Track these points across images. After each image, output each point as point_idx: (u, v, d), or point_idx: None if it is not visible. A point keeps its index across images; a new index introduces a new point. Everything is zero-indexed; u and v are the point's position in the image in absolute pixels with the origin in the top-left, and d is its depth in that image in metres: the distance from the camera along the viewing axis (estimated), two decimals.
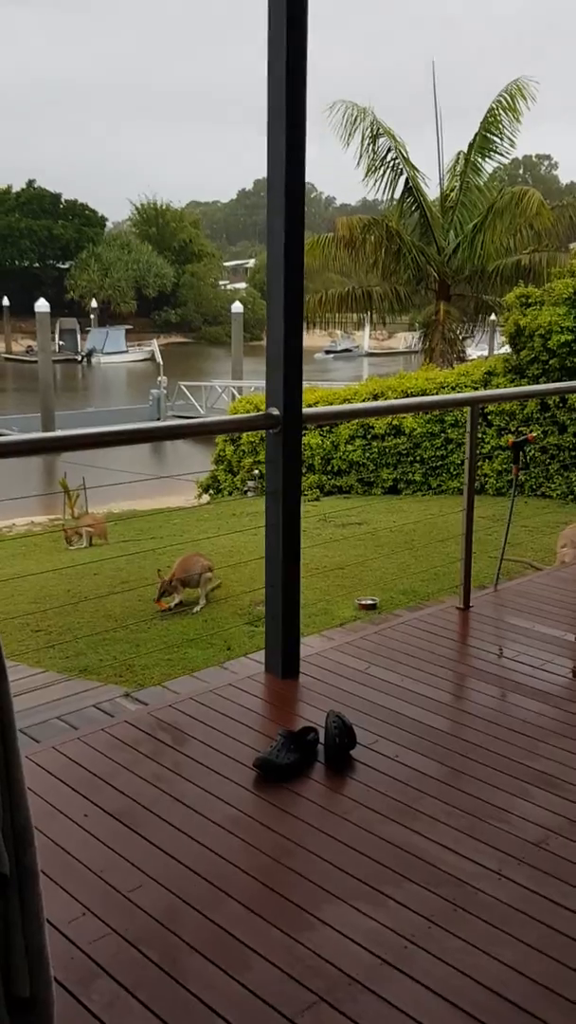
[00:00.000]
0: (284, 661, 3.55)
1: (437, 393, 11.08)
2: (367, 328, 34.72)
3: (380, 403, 10.65)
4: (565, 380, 10.27)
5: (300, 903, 2.25)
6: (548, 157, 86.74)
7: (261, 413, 3.42)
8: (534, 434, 6.59)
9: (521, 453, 4.93)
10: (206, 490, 13.55)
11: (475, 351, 25.36)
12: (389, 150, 15.79)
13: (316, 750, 2.97)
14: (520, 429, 10.62)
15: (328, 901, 2.26)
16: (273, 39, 3.11)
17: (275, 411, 3.36)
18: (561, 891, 2.33)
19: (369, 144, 15.49)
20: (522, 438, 4.86)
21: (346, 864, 2.41)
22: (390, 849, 2.47)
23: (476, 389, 11.02)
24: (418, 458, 11.46)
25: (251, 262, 66.72)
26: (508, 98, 15.36)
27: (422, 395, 11.13)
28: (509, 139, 15.60)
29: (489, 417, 11.21)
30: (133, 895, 2.28)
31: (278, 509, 3.43)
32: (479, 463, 11.18)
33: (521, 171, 75.18)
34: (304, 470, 12.01)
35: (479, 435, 11.11)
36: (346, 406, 11.03)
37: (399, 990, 1.98)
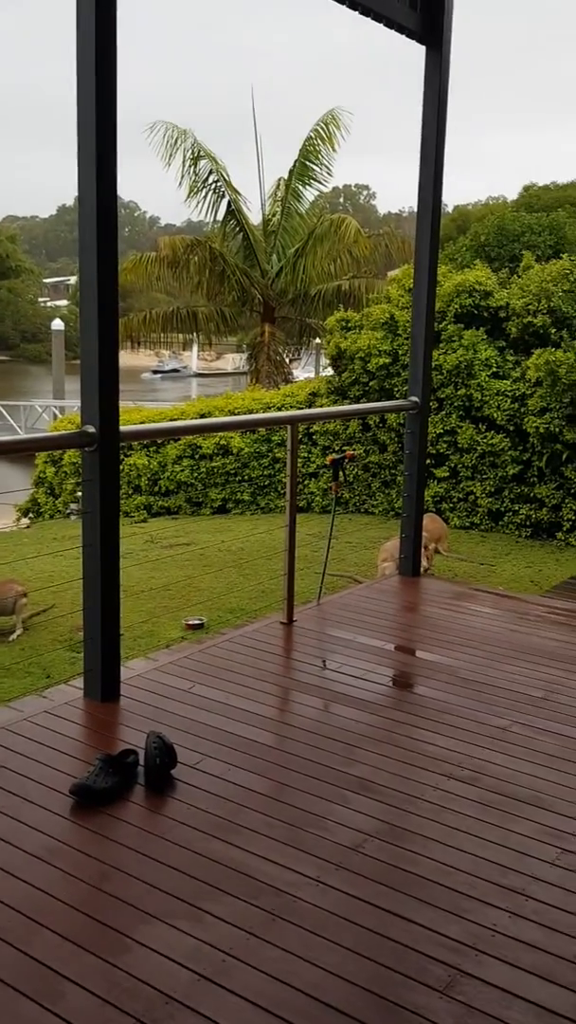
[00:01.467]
0: (104, 684, 3.48)
1: (262, 413, 11.25)
2: (195, 348, 34.82)
3: (198, 421, 10.69)
4: (383, 400, 10.69)
5: (117, 927, 2.21)
6: (367, 187, 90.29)
7: (75, 431, 3.35)
8: (353, 452, 6.80)
9: (341, 470, 5.08)
10: (25, 513, 13.12)
11: (302, 372, 25.94)
12: (211, 172, 15.99)
13: (136, 772, 2.93)
14: (343, 448, 10.95)
15: (146, 922, 2.23)
16: (81, 54, 3.09)
17: (91, 429, 3.31)
18: (377, 892, 2.41)
19: (190, 166, 15.63)
20: (341, 456, 5.01)
21: (165, 883, 2.38)
22: (209, 865, 2.47)
23: (300, 409, 11.27)
24: (246, 478, 11.58)
25: (72, 279, 65.51)
26: (324, 127, 15.91)
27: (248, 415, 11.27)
28: (327, 168, 16.16)
29: (314, 437, 11.49)
30: None
31: (96, 529, 3.37)
32: (305, 481, 11.42)
33: (342, 200, 77.87)
34: (131, 491, 11.87)
35: (305, 454, 11.39)
36: (165, 424, 10.74)
37: (218, 1004, 1.98)
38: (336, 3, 4.34)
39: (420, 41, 4.93)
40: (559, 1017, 2.00)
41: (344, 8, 4.42)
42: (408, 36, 4.86)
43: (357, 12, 4.48)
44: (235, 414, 11.60)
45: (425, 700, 3.79)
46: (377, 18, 4.62)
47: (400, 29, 4.78)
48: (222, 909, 2.29)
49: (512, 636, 4.59)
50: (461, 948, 2.20)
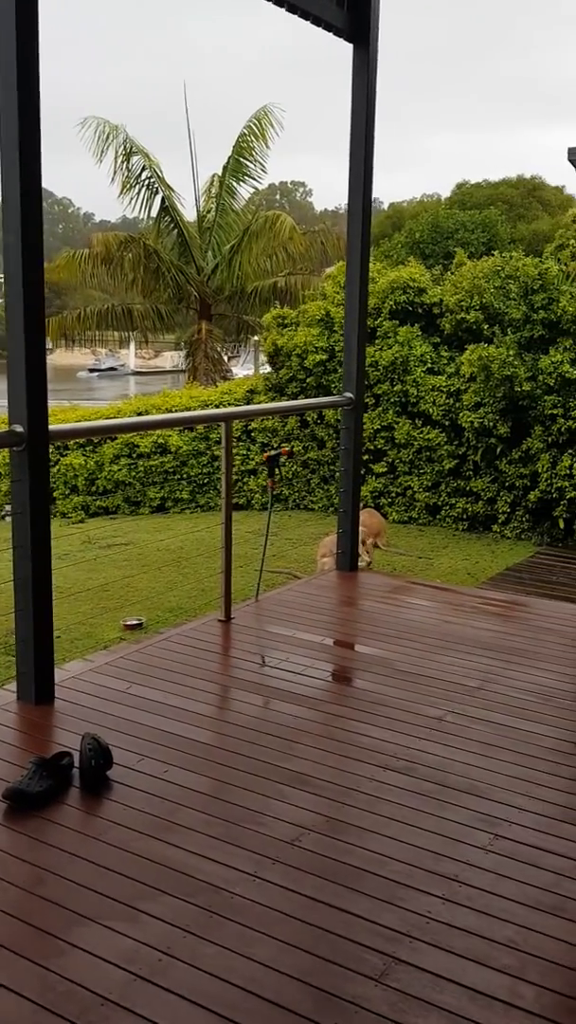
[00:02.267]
0: (38, 687, 3.44)
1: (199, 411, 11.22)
2: (132, 346, 34.55)
3: (130, 419, 10.62)
4: (321, 397, 10.74)
5: (51, 930, 2.19)
6: (303, 184, 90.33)
7: (4, 431, 3.30)
8: (289, 448, 6.83)
9: (277, 467, 5.09)
10: None
11: (241, 370, 25.94)
12: (144, 169, 15.86)
13: (71, 775, 2.90)
14: (282, 444, 10.99)
15: (81, 924, 2.21)
16: (1, 47, 3.05)
17: (19, 428, 3.26)
18: (313, 885, 2.42)
19: (123, 162, 15.48)
20: (276, 452, 5.02)
21: (100, 885, 2.37)
22: (146, 865, 2.46)
23: (237, 406, 11.27)
24: (185, 476, 11.53)
25: None
26: (257, 124, 15.90)
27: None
28: (260, 164, 16.15)
29: (252, 434, 11.50)
30: None
31: (26, 530, 3.32)
32: (244, 479, 11.43)
33: (278, 196, 77.86)
34: (68, 491, 11.73)
35: (244, 451, 11.39)
36: (96, 422, 10.60)
37: (154, 1003, 1.97)
38: (265, 0, 4.34)
39: (348, 39, 4.96)
40: (491, 999, 2.04)
41: (274, 6, 4.44)
42: (336, 34, 4.89)
43: (284, 9, 4.49)
44: (171, 412, 11.55)
45: (362, 693, 3.82)
46: (305, 16, 4.64)
47: (328, 27, 4.81)
48: (159, 908, 2.28)
49: (447, 628, 4.66)
50: (396, 936, 2.23)
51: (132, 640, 5.33)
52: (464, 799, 2.90)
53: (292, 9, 4.52)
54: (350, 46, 4.99)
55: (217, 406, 11.41)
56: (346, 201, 5.25)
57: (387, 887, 2.42)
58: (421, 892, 2.41)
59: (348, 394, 5.35)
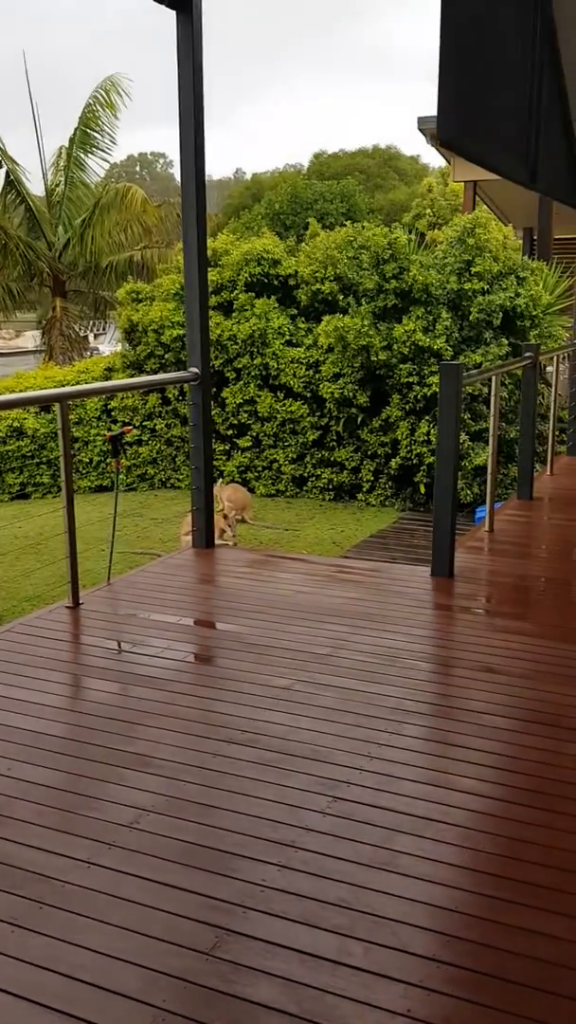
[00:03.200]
0: None
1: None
2: None
3: None
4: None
5: None
6: (163, 155, 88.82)
7: None
8: (131, 427, 6.79)
9: (120, 446, 5.00)
10: None
11: (107, 347, 25.40)
12: None
13: None
14: (124, 424, 10.84)
15: None
16: None
17: None
18: (148, 865, 2.41)
19: None
20: (117, 432, 4.93)
21: None
22: None
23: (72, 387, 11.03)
24: (44, 460, 11.24)
25: None
26: (104, 95, 15.48)
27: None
28: (110, 135, 15.76)
29: (112, 413, 11.30)
30: None
31: None
32: (108, 460, 11.21)
33: (138, 168, 76.31)
34: None
35: (104, 431, 11.17)
36: None
37: None
38: None
39: (170, 6, 4.86)
40: (320, 959, 2.08)
41: None
42: (156, 1, 4.77)
43: None
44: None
45: (212, 670, 3.82)
46: None
47: None
48: None
49: (300, 598, 4.70)
50: (230, 907, 2.25)
51: None
52: (306, 765, 2.94)
53: None
54: (174, 14, 4.89)
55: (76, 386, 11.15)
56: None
57: (223, 860, 2.43)
58: (257, 861, 2.43)
59: (194, 369, 5.30)
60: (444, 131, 3.05)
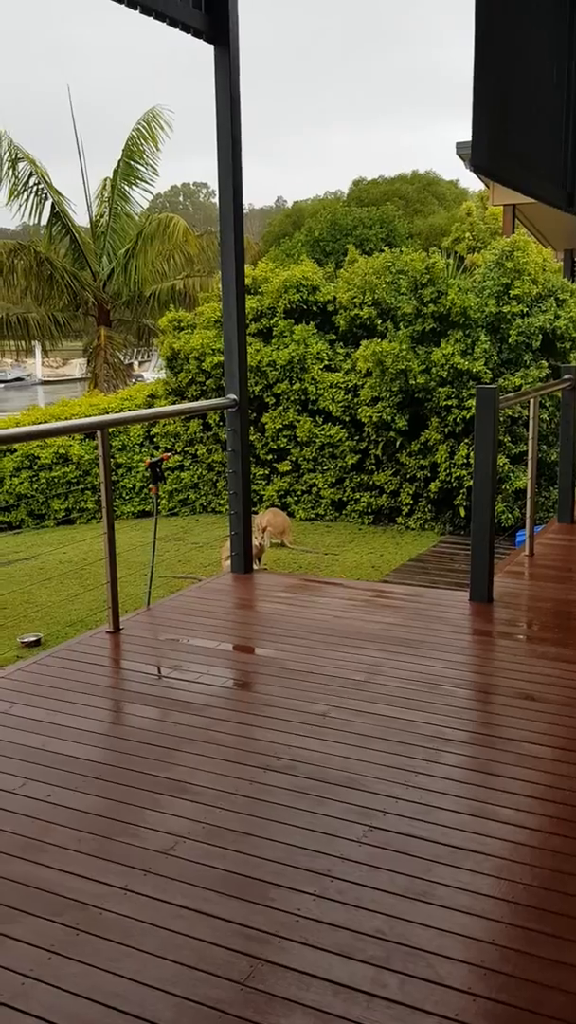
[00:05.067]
0: None
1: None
2: (38, 355, 33.96)
3: None
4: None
5: None
6: (206, 184, 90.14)
7: None
8: (169, 454, 6.98)
9: (160, 472, 5.06)
10: None
11: (151, 375, 25.73)
12: (31, 175, 15.61)
13: None
14: (165, 451, 10.97)
15: None
16: None
17: None
18: (184, 893, 2.41)
19: (9, 168, 15.20)
20: (157, 458, 4.99)
21: None
22: (10, 886, 2.41)
23: (113, 414, 11.17)
24: (89, 485, 11.38)
25: None
26: (146, 126, 15.79)
27: None
28: (152, 167, 16.04)
29: (155, 439, 11.43)
30: None
31: None
32: (149, 486, 11.32)
33: (181, 198, 77.47)
34: None
35: (146, 457, 11.29)
36: None
37: None
38: (114, 2, 4.31)
39: (208, 40, 4.96)
40: (355, 991, 2.06)
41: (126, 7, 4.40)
42: (195, 35, 4.88)
43: (138, 11, 4.46)
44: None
45: (249, 695, 3.83)
46: (160, 17, 4.61)
47: (185, 28, 4.79)
48: (22, 930, 2.24)
49: (338, 623, 4.69)
50: (264, 937, 2.24)
51: (29, 658, 5.23)
52: (342, 793, 2.92)
53: (146, 11, 4.49)
54: (211, 47, 4.99)
55: (121, 413, 11.30)
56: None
57: (258, 888, 2.43)
58: (292, 891, 2.42)
59: (231, 396, 5.35)
60: (477, 158, 3.06)
